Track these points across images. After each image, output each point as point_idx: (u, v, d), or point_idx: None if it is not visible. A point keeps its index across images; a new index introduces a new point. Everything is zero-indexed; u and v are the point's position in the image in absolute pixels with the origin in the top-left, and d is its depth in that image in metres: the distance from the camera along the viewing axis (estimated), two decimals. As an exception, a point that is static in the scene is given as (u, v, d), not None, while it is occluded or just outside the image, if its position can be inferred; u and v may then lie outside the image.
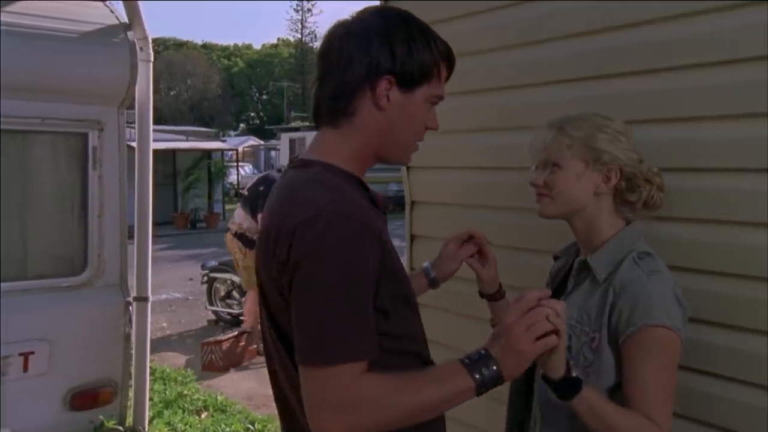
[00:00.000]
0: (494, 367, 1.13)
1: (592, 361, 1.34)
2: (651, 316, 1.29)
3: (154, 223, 4.09)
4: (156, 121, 4.27)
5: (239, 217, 6.02)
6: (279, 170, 6.65)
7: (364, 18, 1.26)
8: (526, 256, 1.71)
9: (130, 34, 3.15)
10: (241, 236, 5.96)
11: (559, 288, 1.51)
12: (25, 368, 2.86)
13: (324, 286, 1.10)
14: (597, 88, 1.77)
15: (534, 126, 1.63)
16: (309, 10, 58.88)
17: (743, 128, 1.48)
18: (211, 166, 17.24)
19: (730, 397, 1.52)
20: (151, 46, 3.29)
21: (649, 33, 1.62)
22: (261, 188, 5.84)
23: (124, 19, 3.20)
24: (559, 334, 1.13)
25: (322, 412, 1.10)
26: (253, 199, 5.84)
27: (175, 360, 6.04)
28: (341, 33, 1.25)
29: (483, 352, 1.15)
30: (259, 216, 5.71)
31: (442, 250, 1.61)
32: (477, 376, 1.12)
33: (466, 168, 2.19)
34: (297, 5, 67.82)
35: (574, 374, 1.21)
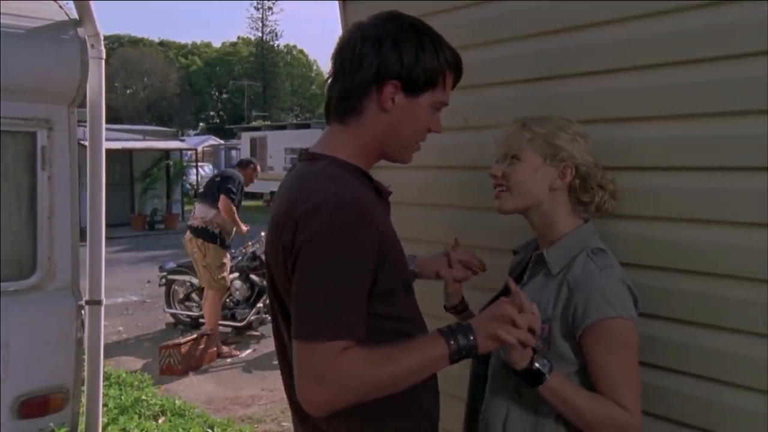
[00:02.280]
0: (471, 337, 1.22)
1: (540, 350, 1.38)
2: (606, 309, 1.34)
3: (110, 225, 3.99)
4: (113, 121, 4.17)
5: (200, 211, 6.03)
6: (234, 166, 6.74)
7: (379, 23, 1.32)
8: (484, 255, 1.73)
9: (80, 30, 3.05)
10: (202, 231, 5.93)
11: (516, 280, 1.54)
12: (-32, 376, 2.75)
13: (319, 269, 1.20)
14: (555, 88, 1.78)
15: (492, 125, 1.63)
16: (270, 8, 58.36)
17: (699, 127, 1.51)
18: (169, 166, 16.94)
19: (684, 391, 1.56)
20: (103, 43, 3.20)
21: (606, 33, 1.64)
22: (217, 179, 6.20)
23: (75, 15, 3.10)
24: (534, 332, 1.23)
25: (306, 383, 1.21)
26: (210, 188, 6.10)
27: (131, 364, 5.92)
28: (357, 35, 1.32)
29: (466, 324, 1.25)
30: (220, 202, 5.89)
31: (438, 257, 1.67)
32: (452, 343, 1.22)
33: (424, 167, 2.18)
34: (257, 4, 67.03)
35: (536, 366, 1.29)
